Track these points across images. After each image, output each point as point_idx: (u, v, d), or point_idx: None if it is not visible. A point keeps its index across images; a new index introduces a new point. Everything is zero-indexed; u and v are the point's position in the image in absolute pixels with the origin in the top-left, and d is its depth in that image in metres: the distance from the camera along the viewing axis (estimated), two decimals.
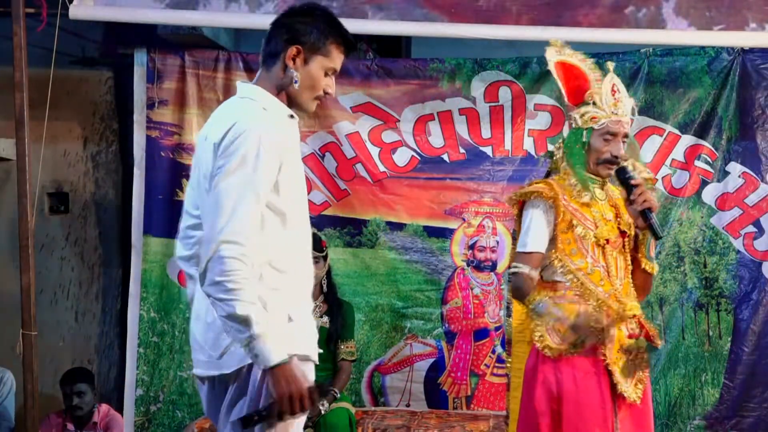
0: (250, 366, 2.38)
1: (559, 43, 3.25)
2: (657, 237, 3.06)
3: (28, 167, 4.40)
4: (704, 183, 4.80)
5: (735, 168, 4.78)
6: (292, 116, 2.51)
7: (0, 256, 5.15)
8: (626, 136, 3.14)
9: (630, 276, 3.14)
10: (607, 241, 3.07)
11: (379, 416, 4.59)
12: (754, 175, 4.77)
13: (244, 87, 2.51)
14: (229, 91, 4.92)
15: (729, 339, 4.78)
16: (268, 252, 2.37)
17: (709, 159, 4.79)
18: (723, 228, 4.79)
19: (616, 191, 3.23)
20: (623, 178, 3.06)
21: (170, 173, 4.96)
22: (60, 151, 5.20)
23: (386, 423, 4.46)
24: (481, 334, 4.82)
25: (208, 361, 2.45)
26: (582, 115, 3.14)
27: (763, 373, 4.75)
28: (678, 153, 4.81)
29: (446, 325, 4.90)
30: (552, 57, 3.22)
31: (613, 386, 3.01)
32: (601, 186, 3.17)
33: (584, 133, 3.12)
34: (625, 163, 3.09)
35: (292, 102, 2.50)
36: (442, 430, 4.39)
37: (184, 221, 2.55)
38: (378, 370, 4.92)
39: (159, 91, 4.95)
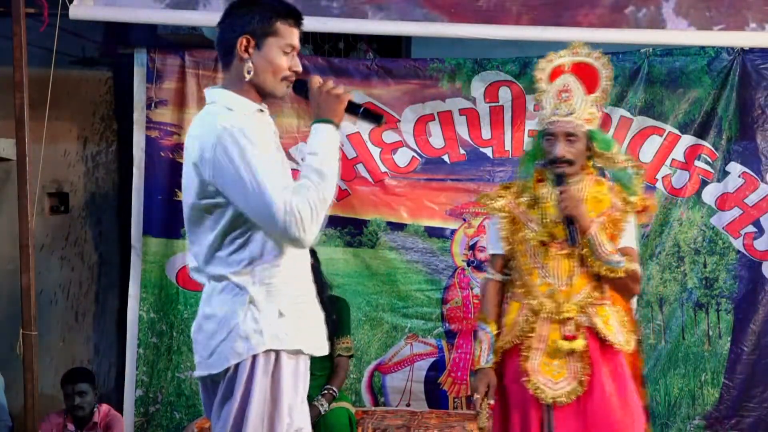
0: (237, 366, 2.39)
1: (580, 43, 3.29)
2: (573, 244, 3.10)
3: (28, 167, 4.40)
4: (704, 183, 4.81)
5: (735, 168, 4.79)
6: (261, 110, 2.50)
7: (0, 256, 5.15)
8: (571, 135, 3.14)
9: (584, 278, 3.16)
10: (543, 243, 3.14)
11: (379, 416, 4.59)
12: (754, 175, 4.78)
13: (208, 92, 2.51)
14: None
15: (729, 339, 4.79)
16: (259, 247, 2.41)
17: (709, 159, 4.79)
18: (723, 228, 4.80)
19: (601, 189, 3.23)
20: (557, 184, 3.12)
21: (170, 173, 4.95)
22: (60, 151, 5.19)
23: (386, 423, 4.45)
24: None
25: (200, 361, 2.48)
26: (538, 117, 3.27)
27: (763, 373, 4.75)
28: (678, 153, 4.81)
29: (446, 325, 4.91)
30: (569, 58, 3.25)
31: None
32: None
33: (538, 135, 3.23)
34: (564, 169, 3.13)
35: (261, 92, 2.49)
36: (442, 430, 4.38)
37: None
38: (378, 369, 4.92)
39: (159, 91, 4.95)
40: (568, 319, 3.10)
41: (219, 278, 2.43)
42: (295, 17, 2.49)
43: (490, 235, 3.33)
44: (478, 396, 3.21)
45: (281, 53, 2.46)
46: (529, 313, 3.16)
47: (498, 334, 3.26)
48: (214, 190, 2.37)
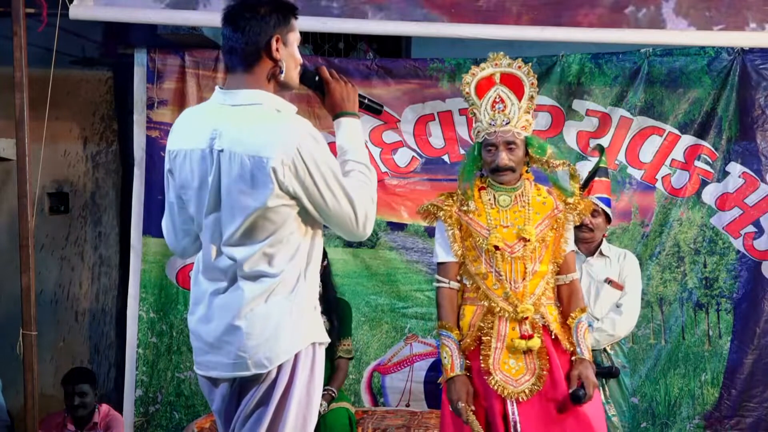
0: (279, 368, 2.40)
1: (500, 55, 3.38)
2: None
3: (28, 167, 4.39)
4: (704, 183, 4.81)
5: (735, 168, 4.79)
6: (296, 111, 2.52)
7: (0, 256, 5.15)
8: (510, 143, 3.22)
9: (536, 278, 3.23)
10: (496, 247, 3.20)
11: (379, 416, 4.59)
12: (754, 175, 4.78)
13: (242, 93, 2.44)
14: None
15: (729, 339, 4.79)
16: (307, 244, 2.45)
17: (709, 159, 4.79)
18: (723, 228, 4.80)
19: (541, 192, 3.31)
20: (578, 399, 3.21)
21: None
22: (60, 151, 5.19)
23: (386, 423, 4.45)
24: None
25: (235, 362, 2.42)
26: (475, 130, 3.33)
27: (763, 373, 4.76)
28: (678, 153, 4.81)
29: None
30: (493, 69, 3.34)
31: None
32: (509, 192, 3.28)
33: (476, 147, 3.31)
34: (507, 176, 3.24)
35: (281, 87, 2.51)
36: None
37: (187, 235, 2.57)
38: (378, 370, 4.92)
39: (159, 91, 4.95)
40: (525, 318, 3.19)
41: (260, 276, 2.40)
42: (296, 10, 2.54)
43: (440, 243, 3.36)
44: (462, 404, 3.22)
45: (296, 47, 2.51)
46: (487, 314, 3.23)
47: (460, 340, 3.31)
48: (288, 194, 2.37)
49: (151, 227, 4.95)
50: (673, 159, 4.82)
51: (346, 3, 4.48)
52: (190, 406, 4.90)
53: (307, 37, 5.53)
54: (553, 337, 3.23)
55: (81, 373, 4.72)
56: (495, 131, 3.22)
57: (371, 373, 4.91)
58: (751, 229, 4.78)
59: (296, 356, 2.41)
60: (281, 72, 2.45)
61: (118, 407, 4.87)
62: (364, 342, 4.89)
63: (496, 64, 3.34)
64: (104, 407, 4.71)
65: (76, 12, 4.45)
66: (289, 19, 2.47)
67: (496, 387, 3.16)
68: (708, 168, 4.80)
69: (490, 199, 3.28)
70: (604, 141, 4.77)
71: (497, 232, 3.22)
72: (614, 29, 4.44)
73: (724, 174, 4.80)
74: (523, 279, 3.21)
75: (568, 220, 3.30)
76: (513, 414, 3.16)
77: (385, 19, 4.51)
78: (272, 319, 2.39)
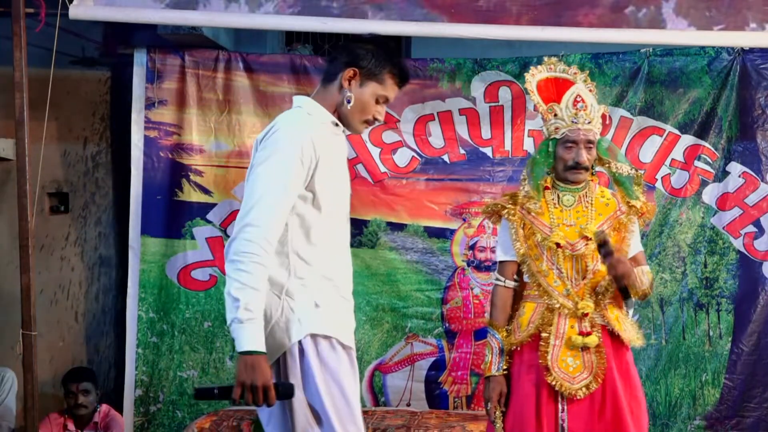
0: (285, 358, 2.48)
1: (553, 61, 3.44)
2: (626, 297, 3.26)
3: (28, 167, 4.39)
4: (704, 183, 4.81)
5: (735, 168, 4.79)
6: (336, 124, 2.61)
7: (0, 256, 5.14)
8: (590, 142, 3.28)
9: (597, 276, 3.28)
10: (558, 245, 3.25)
11: (379, 416, 4.59)
12: (755, 175, 4.78)
13: (296, 99, 2.66)
14: (229, 91, 4.92)
15: (729, 339, 4.79)
16: (297, 244, 2.52)
17: (709, 159, 4.79)
18: (723, 228, 4.80)
19: (605, 194, 3.37)
20: (602, 252, 3.20)
21: (170, 173, 4.95)
22: (60, 151, 5.19)
23: (386, 423, 4.45)
24: (482, 333, 4.80)
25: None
26: (548, 128, 3.35)
27: (763, 373, 4.76)
28: (678, 153, 4.81)
29: (447, 325, 4.91)
30: (541, 74, 3.40)
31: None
32: (573, 192, 3.34)
33: (550, 143, 3.34)
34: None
35: (342, 121, 2.62)
36: (442, 430, 4.38)
37: None
38: (379, 369, 4.92)
39: (159, 91, 4.95)
40: (585, 315, 3.23)
41: None
42: (403, 79, 2.65)
43: (501, 242, 3.42)
44: (492, 405, 3.31)
45: (374, 99, 2.60)
46: (546, 311, 3.27)
47: (508, 335, 3.35)
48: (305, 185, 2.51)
49: (149, 227, 4.95)
50: (673, 159, 4.82)
51: (346, 3, 4.48)
52: (192, 404, 4.90)
53: (307, 37, 5.54)
54: (613, 334, 3.25)
55: (82, 372, 4.74)
56: (578, 129, 3.27)
57: (372, 373, 4.92)
58: (751, 228, 4.78)
59: (301, 345, 2.51)
60: (348, 102, 2.56)
61: (118, 407, 4.87)
62: (365, 341, 4.89)
63: (550, 68, 3.40)
64: (104, 407, 4.72)
65: (75, 12, 4.44)
66: (382, 71, 2.58)
67: (553, 383, 3.19)
68: (708, 168, 4.80)
69: (553, 199, 3.34)
70: None
71: (559, 230, 3.27)
72: (614, 29, 4.44)
73: (725, 174, 4.80)
74: (584, 277, 3.26)
75: (632, 222, 3.34)
76: (562, 412, 3.21)
77: (385, 19, 4.50)
78: (266, 315, 2.53)
